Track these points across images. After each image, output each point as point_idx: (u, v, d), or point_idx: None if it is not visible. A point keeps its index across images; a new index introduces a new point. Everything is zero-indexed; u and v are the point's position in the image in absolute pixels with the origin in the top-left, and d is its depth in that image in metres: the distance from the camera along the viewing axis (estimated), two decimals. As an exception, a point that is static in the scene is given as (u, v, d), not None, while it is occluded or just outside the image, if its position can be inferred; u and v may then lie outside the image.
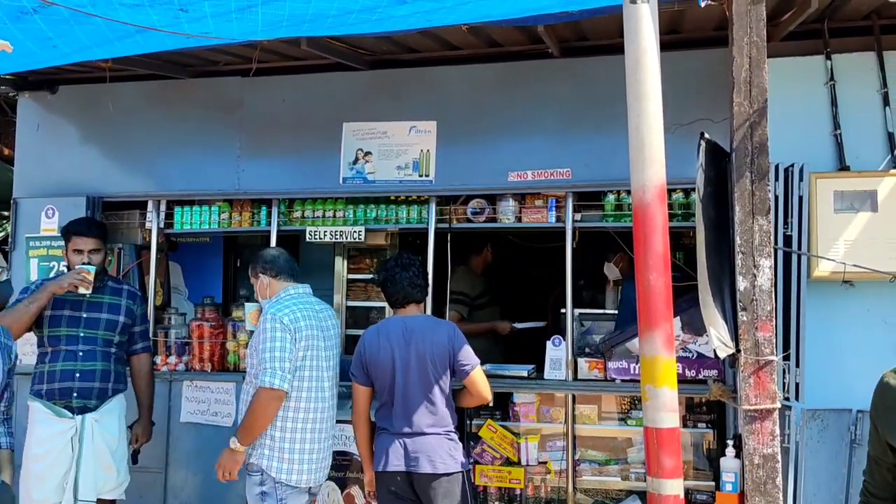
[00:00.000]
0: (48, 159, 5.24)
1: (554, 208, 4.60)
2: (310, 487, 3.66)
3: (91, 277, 3.92)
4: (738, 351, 3.14)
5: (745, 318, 3.12)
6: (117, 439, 4.05)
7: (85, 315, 4.03)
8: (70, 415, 3.94)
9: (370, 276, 5.94)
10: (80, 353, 3.96)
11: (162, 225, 5.12)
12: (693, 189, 4.26)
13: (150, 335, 4.37)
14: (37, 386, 3.98)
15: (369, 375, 3.61)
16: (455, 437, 3.60)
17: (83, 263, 3.95)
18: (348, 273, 5.90)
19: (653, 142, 2.67)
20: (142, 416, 4.17)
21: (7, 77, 5.23)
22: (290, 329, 3.53)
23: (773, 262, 3.14)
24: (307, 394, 3.59)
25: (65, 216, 5.02)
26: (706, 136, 3.44)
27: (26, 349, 4.97)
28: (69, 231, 4.05)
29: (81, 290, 3.89)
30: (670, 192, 4.39)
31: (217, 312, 5.01)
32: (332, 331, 3.77)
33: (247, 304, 4.59)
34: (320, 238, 4.85)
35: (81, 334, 3.98)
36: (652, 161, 2.67)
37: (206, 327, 4.93)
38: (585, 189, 4.52)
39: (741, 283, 3.12)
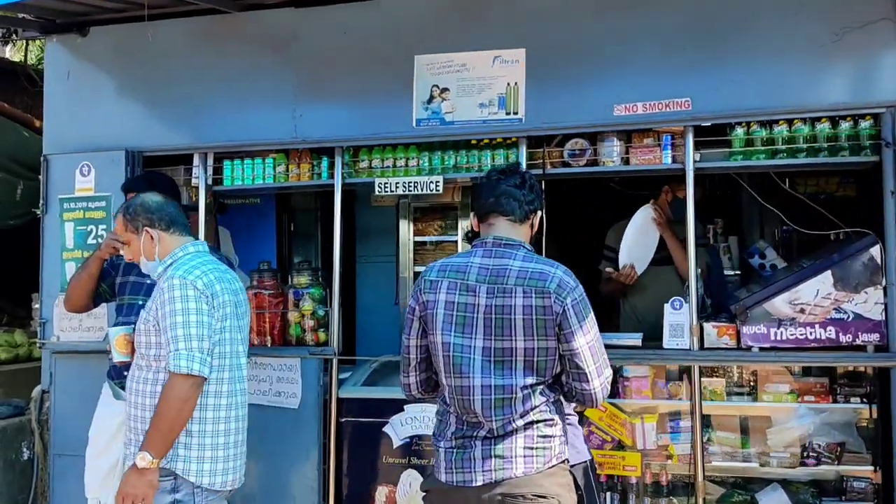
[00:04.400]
0: (80, 111, 4.63)
1: (669, 146, 3.88)
2: (232, 490, 2.94)
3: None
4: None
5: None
6: None
7: (149, 281, 3.45)
8: (125, 395, 3.40)
9: (440, 237, 5.35)
10: (134, 325, 3.42)
11: (209, 182, 4.51)
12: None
13: None
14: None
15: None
16: None
17: None
18: (414, 236, 5.33)
19: None
20: None
21: (32, 19, 4.64)
22: (206, 296, 2.78)
23: None
24: (228, 374, 2.87)
25: (102, 174, 4.49)
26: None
27: (63, 325, 4.47)
28: (123, 190, 3.67)
29: (122, 253, 3.37)
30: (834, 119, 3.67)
31: (276, 279, 4.40)
32: (243, 295, 3.02)
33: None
34: (391, 190, 4.19)
35: (140, 302, 3.45)
36: None
37: (264, 296, 4.32)
38: (709, 122, 3.79)
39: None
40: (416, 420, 4.01)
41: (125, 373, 3.46)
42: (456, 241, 5.22)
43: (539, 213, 2.57)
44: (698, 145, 3.80)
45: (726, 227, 5.56)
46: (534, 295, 2.31)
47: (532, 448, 2.32)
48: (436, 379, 2.50)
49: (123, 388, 3.45)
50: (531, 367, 2.32)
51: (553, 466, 2.34)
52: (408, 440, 4.02)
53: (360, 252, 5.93)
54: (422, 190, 4.14)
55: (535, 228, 2.58)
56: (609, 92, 3.88)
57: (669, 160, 3.88)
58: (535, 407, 2.33)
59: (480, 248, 2.44)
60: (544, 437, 2.34)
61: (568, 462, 2.42)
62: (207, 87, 4.46)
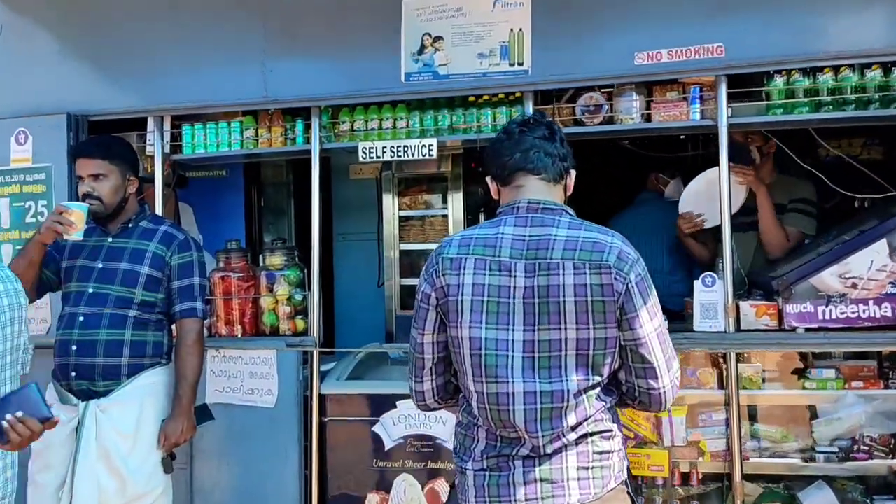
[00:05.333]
0: (16, 70, 4.01)
1: (697, 100, 3.39)
2: None
3: (74, 218, 2.86)
4: None
5: None
6: (133, 437, 2.94)
7: (100, 265, 3.00)
8: (74, 400, 2.93)
9: (426, 211, 4.84)
10: (82, 318, 2.93)
11: (167, 149, 3.93)
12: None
13: (199, 293, 3.11)
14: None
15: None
16: None
17: (76, 199, 2.99)
18: (399, 210, 4.82)
19: None
20: (174, 406, 3.02)
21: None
22: None
23: None
24: None
25: (41, 141, 3.90)
26: None
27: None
28: (72, 155, 3.22)
29: (68, 237, 2.86)
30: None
31: (245, 260, 3.84)
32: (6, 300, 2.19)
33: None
34: (377, 155, 3.65)
35: (90, 290, 2.96)
36: None
37: (232, 279, 3.77)
38: (745, 70, 3.31)
39: None
40: (410, 418, 3.51)
41: (72, 373, 2.95)
42: (446, 216, 4.72)
43: (573, 172, 2.06)
44: (730, 99, 3.31)
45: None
46: (588, 271, 1.80)
47: (588, 468, 1.82)
48: (456, 384, 1.99)
49: (72, 391, 2.94)
50: (585, 364, 1.81)
51: (612, 490, 1.84)
52: (401, 440, 3.52)
53: (338, 230, 5.41)
54: (412, 155, 3.60)
55: (570, 192, 2.07)
56: (629, 38, 3.37)
57: (698, 115, 3.39)
58: (591, 416, 1.83)
59: (511, 215, 1.92)
60: (602, 453, 1.84)
61: (627, 483, 1.92)
62: (163, 41, 3.87)
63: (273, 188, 5.36)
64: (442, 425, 3.47)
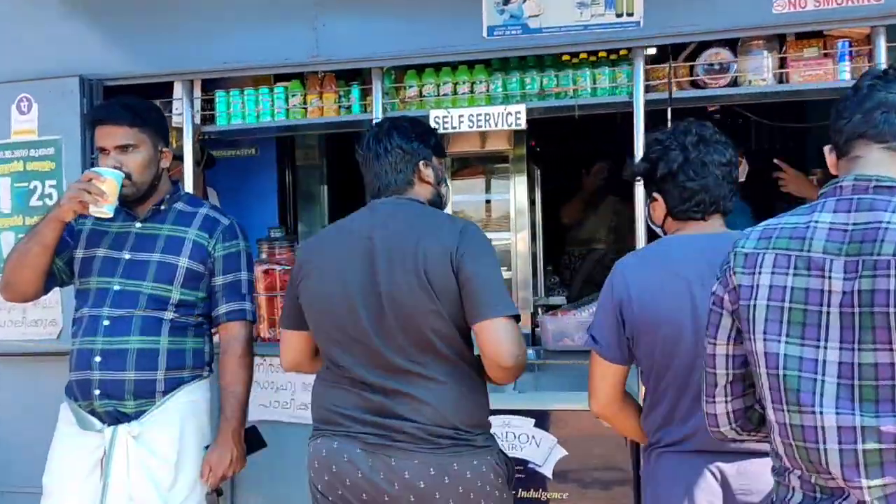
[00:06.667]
0: (20, 28, 3.42)
1: (846, 57, 2.83)
2: None
3: (107, 187, 2.29)
4: None
5: None
6: (174, 468, 2.36)
7: (128, 256, 2.42)
8: (99, 425, 2.36)
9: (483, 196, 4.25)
10: (107, 322, 2.36)
11: (197, 120, 3.35)
12: None
13: (247, 291, 2.56)
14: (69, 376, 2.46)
15: (632, 342, 1.88)
16: None
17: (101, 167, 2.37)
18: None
19: None
20: (221, 431, 2.44)
21: None
22: None
23: None
24: None
25: (49, 110, 3.33)
26: None
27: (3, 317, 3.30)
28: (90, 122, 2.57)
29: (95, 212, 2.29)
30: None
31: (293, 250, 3.27)
32: None
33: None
34: (453, 126, 3.07)
35: (116, 287, 2.38)
36: None
37: (277, 273, 3.20)
38: (908, 20, 2.76)
39: None
40: (497, 438, 2.93)
41: (96, 391, 2.36)
42: (508, 201, 4.14)
43: None
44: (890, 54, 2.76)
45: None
46: None
47: None
48: (761, 411, 1.53)
49: (96, 413, 2.36)
50: None
51: None
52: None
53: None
54: (496, 125, 3.04)
55: None
56: (765, -18, 2.81)
57: (847, 76, 2.83)
58: None
59: (831, 198, 1.42)
60: None
61: None
62: (192, -9, 3.30)
63: (304, 171, 4.77)
64: (535, 447, 2.90)
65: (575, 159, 4.95)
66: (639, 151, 2.91)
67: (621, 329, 1.86)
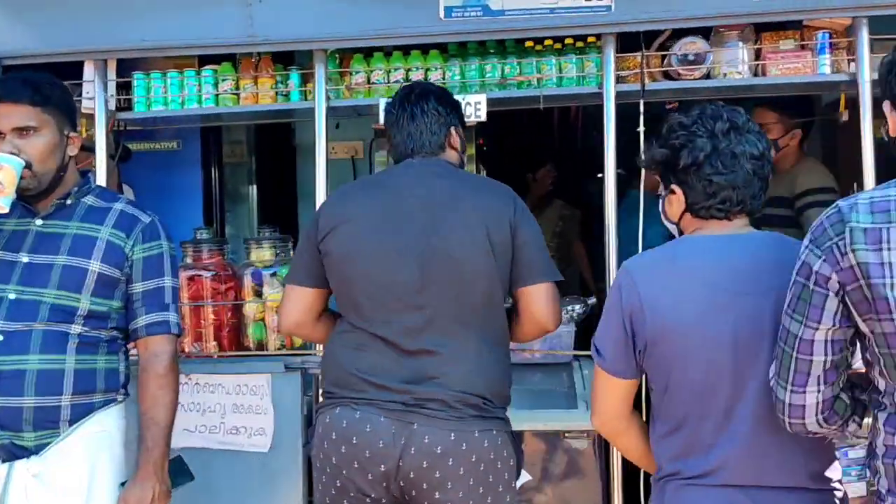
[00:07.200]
0: None
1: (826, 49, 2.68)
2: None
3: (2, 176, 1.99)
4: None
5: None
6: None
7: (26, 259, 2.09)
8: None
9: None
10: (0, 337, 2.05)
11: (112, 106, 2.96)
12: None
13: (172, 300, 2.22)
14: None
15: (645, 356, 1.62)
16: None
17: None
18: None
19: None
20: (140, 463, 2.11)
21: None
22: None
23: None
24: None
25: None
26: None
27: None
28: None
29: None
30: None
31: (222, 254, 2.92)
32: None
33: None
34: (406, 117, 2.78)
35: (11, 296, 2.06)
36: None
37: (204, 280, 2.84)
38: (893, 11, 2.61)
39: None
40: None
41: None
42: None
43: None
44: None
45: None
46: None
47: None
48: (847, 401, 1.47)
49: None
50: None
51: None
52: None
53: (304, 223, 4.49)
54: (453, 116, 2.75)
55: None
56: (743, -34, 2.63)
57: (827, 69, 2.67)
58: None
59: None
60: None
61: None
62: (107, -41, 2.90)
63: (231, 169, 4.41)
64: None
65: (520, 159, 4.73)
66: (609, 146, 2.68)
67: (630, 340, 1.61)
